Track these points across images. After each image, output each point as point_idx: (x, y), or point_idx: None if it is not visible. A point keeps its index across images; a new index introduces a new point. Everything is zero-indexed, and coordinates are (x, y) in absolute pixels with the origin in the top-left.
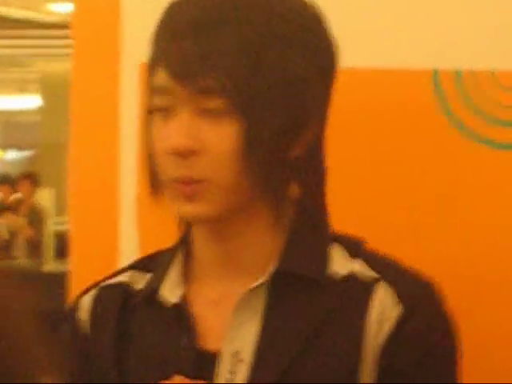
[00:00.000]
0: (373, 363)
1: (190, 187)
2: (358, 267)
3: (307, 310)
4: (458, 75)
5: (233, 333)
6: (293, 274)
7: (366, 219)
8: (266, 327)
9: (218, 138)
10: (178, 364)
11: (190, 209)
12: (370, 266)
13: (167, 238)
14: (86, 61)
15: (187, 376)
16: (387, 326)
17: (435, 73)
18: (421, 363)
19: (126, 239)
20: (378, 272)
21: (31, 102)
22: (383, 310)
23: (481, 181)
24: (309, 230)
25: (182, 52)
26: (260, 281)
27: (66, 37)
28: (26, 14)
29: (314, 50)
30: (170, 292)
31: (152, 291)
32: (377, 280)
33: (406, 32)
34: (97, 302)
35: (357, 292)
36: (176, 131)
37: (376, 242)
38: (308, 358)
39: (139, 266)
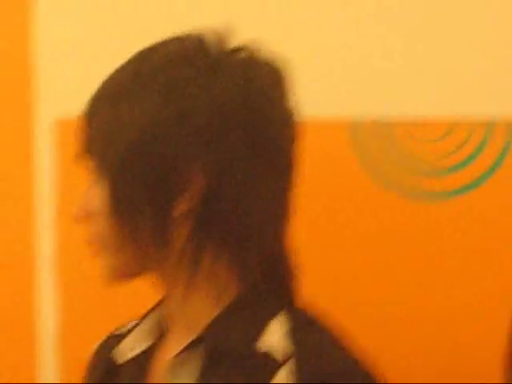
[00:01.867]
0: None
1: (91, 247)
2: (277, 347)
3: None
4: (374, 125)
5: None
6: (211, 346)
7: None
8: None
9: (98, 201)
10: None
11: (102, 267)
12: (291, 345)
13: None
14: None
15: None
16: None
17: (353, 124)
18: None
19: None
20: (293, 353)
21: None
22: None
23: (396, 229)
24: (251, 300)
25: (82, 123)
26: (179, 350)
27: None
28: None
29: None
30: (125, 350)
31: (112, 345)
32: (286, 361)
33: (323, 81)
34: (96, 351)
35: (265, 372)
36: (75, 200)
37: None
38: None
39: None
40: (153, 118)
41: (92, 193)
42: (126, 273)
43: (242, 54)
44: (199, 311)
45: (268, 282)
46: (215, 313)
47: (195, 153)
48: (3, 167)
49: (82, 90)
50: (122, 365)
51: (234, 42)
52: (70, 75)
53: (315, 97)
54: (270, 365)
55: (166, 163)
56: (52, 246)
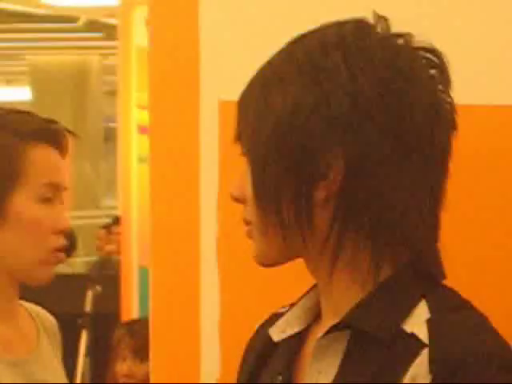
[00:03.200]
0: None
1: (247, 228)
2: (420, 329)
3: (368, 366)
4: None
5: (311, 379)
6: (356, 328)
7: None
8: (336, 380)
9: (248, 185)
10: None
11: (253, 249)
12: (429, 329)
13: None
14: (165, 97)
15: None
16: None
17: None
18: None
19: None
20: (431, 336)
21: (20, 94)
22: (415, 376)
23: None
24: (396, 285)
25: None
26: (323, 333)
27: (55, 30)
28: (15, 7)
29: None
30: (280, 330)
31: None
32: (425, 345)
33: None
34: (259, 327)
35: (406, 354)
36: (232, 181)
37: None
38: None
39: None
40: (296, 102)
41: (246, 178)
42: (273, 258)
43: (397, 41)
44: (344, 297)
45: (413, 268)
46: (360, 298)
47: (336, 138)
48: (172, 146)
49: (244, 73)
50: (276, 344)
51: (392, 30)
52: (233, 59)
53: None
54: (415, 345)
55: (307, 146)
56: (215, 224)
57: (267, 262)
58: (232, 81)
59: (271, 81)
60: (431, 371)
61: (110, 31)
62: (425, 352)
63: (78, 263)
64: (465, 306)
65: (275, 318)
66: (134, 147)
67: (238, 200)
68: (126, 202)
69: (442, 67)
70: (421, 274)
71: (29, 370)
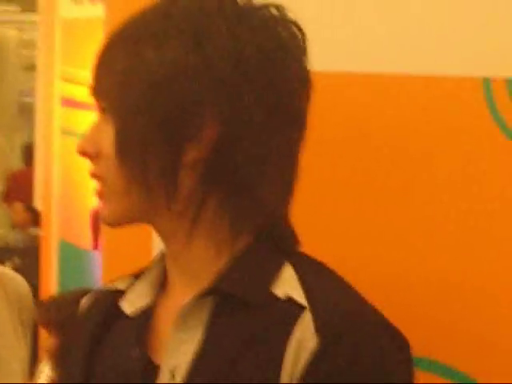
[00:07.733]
0: None
1: (98, 184)
2: (295, 292)
3: (238, 331)
4: (509, 83)
5: (173, 348)
6: (226, 293)
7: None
8: (203, 346)
9: (107, 141)
10: (129, 376)
11: (101, 209)
12: (305, 291)
13: None
14: None
15: None
16: (303, 359)
17: (486, 81)
18: None
19: None
20: (309, 298)
21: None
22: (302, 340)
23: None
24: (261, 248)
25: (94, 65)
26: (188, 300)
27: None
28: None
29: (190, 46)
30: (130, 303)
31: (113, 301)
32: (304, 307)
33: (459, 39)
34: (89, 305)
35: (285, 318)
36: (84, 136)
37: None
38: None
39: (139, 273)
40: (176, 61)
41: (101, 134)
42: (126, 218)
43: (270, 11)
44: (202, 264)
45: (271, 235)
46: (219, 264)
47: (213, 101)
48: None
49: None
50: (119, 315)
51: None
52: None
53: (452, 54)
54: (293, 308)
55: (183, 107)
56: None
57: (117, 223)
58: None
59: (145, 37)
60: (317, 333)
61: (26, 4)
62: (306, 314)
63: None
64: (325, 267)
65: (111, 293)
66: (55, 120)
67: (88, 155)
68: (47, 175)
69: (302, 39)
70: (279, 240)
71: None
